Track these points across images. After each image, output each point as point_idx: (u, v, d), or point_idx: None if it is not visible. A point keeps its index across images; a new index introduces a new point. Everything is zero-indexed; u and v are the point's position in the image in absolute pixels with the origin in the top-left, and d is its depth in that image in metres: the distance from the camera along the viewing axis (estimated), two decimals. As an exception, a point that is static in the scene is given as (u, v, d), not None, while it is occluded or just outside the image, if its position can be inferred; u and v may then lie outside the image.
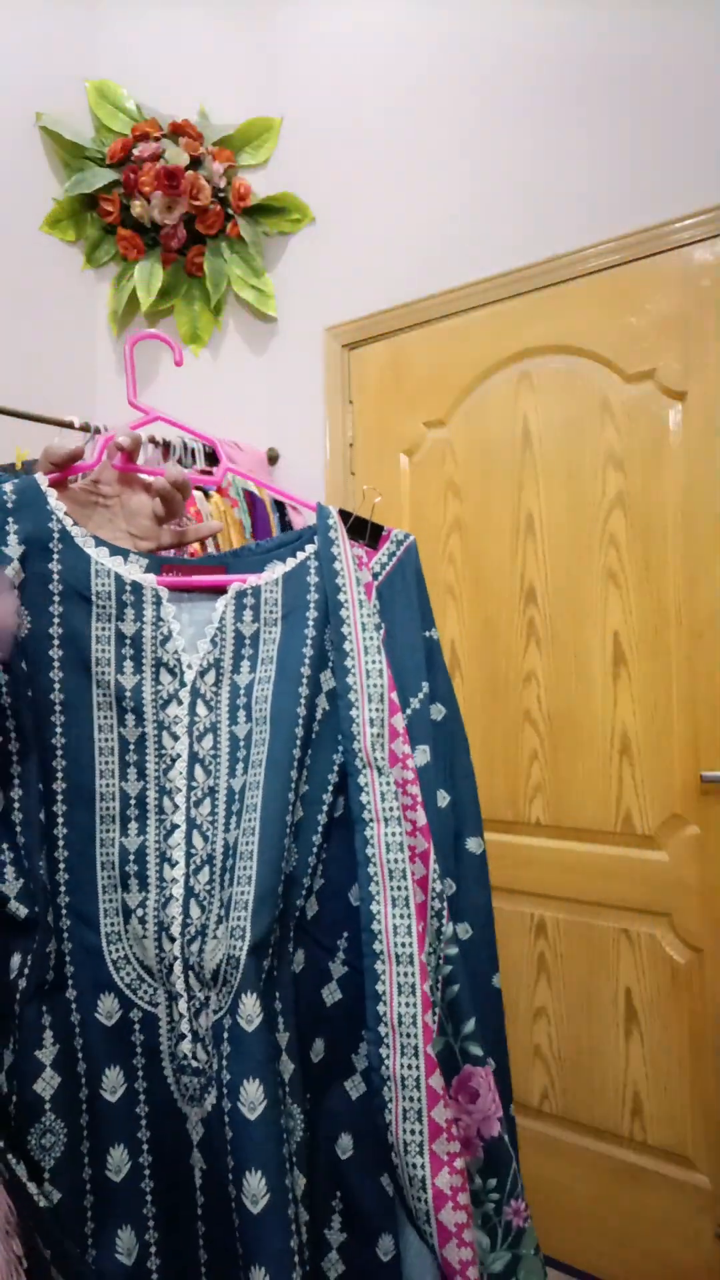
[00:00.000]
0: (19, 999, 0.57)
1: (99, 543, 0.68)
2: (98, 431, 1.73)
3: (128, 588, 0.68)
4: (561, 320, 1.64)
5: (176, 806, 0.68)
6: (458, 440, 1.77)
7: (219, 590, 0.73)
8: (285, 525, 1.82)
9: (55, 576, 0.66)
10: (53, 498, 0.67)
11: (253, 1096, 0.60)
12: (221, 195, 2.08)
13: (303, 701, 0.70)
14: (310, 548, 0.75)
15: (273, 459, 2.05)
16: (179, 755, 0.69)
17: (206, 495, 1.67)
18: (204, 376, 2.16)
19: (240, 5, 2.13)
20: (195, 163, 2.06)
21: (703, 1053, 1.46)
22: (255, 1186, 0.58)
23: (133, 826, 0.67)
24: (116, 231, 2.14)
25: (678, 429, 1.51)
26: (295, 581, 0.74)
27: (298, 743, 0.69)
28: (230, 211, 2.08)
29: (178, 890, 0.66)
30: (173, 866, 0.67)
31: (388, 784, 0.69)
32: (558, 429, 1.64)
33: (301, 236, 2.05)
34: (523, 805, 1.66)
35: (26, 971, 0.58)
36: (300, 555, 0.75)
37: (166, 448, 1.90)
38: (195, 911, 0.66)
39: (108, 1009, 0.65)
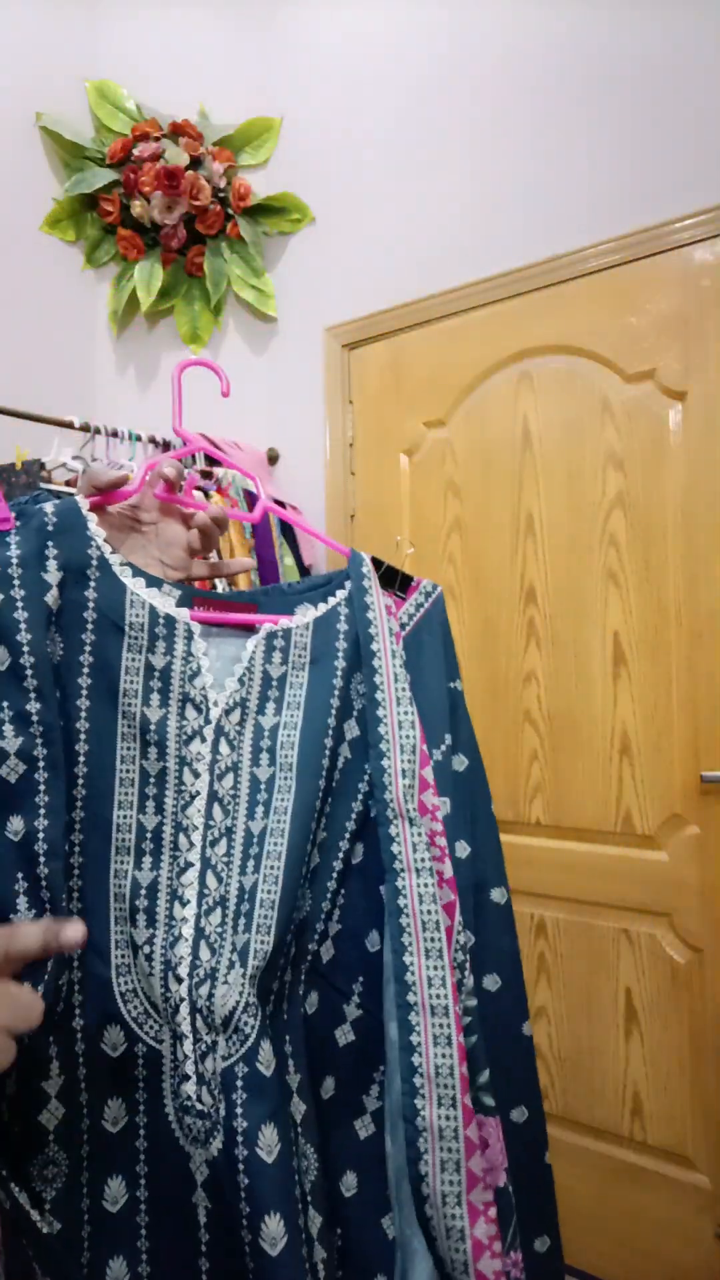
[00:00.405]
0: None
1: (135, 572, 0.68)
2: (97, 432, 1.73)
3: (160, 620, 0.68)
4: (561, 320, 1.64)
5: (192, 844, 0.67)
6: (458, 440, 1.77)
7: (248, 628, 0.73)
8: (285, 527, 1.82)
9: (90, 604, 0.65)
10: (93, 523, 0.67)
11: (269, 1141, 0.60)
12: (221, 195, 2.08)
13: (327, 751, 0.69)
14: (341, 593, 0.75)
15: (273, 459, 2.05)
16: (198, 793, 0.68)
17: (207, 495, 1.67)
18: (204, 376, 2.16)
19: (240, 5, 2.13)
20: (195, 163, 2.06)
21: (703, 1053, 1.46)
22: (274, 1229, 0.58)
23: (146, 860, 0.66)
24: (116, 231, 2.14)
25: (678, 429, 1.51)
26: (326, 627, 0.73)
27: (320, 792, 0.68)
28: (230, 211, 2.08)
29: (187, 930, 0.65)
30: (184, 905, 0.66)
31: (419, 835, 0.69)
32: (558, 429, 1.64)
33: (301, 236, 2.05)
34: (523, 805, 1.66)
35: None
36: (331, 601, 0.74)
37: (166, 447, 1.90)
38: (205, 954, 0.65)
39: (113, 1040, 0.64)
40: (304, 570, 1.83)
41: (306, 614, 0.73)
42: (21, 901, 0.59)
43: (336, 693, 0.71)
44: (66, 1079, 0.62)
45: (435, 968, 0.66)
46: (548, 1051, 1.63)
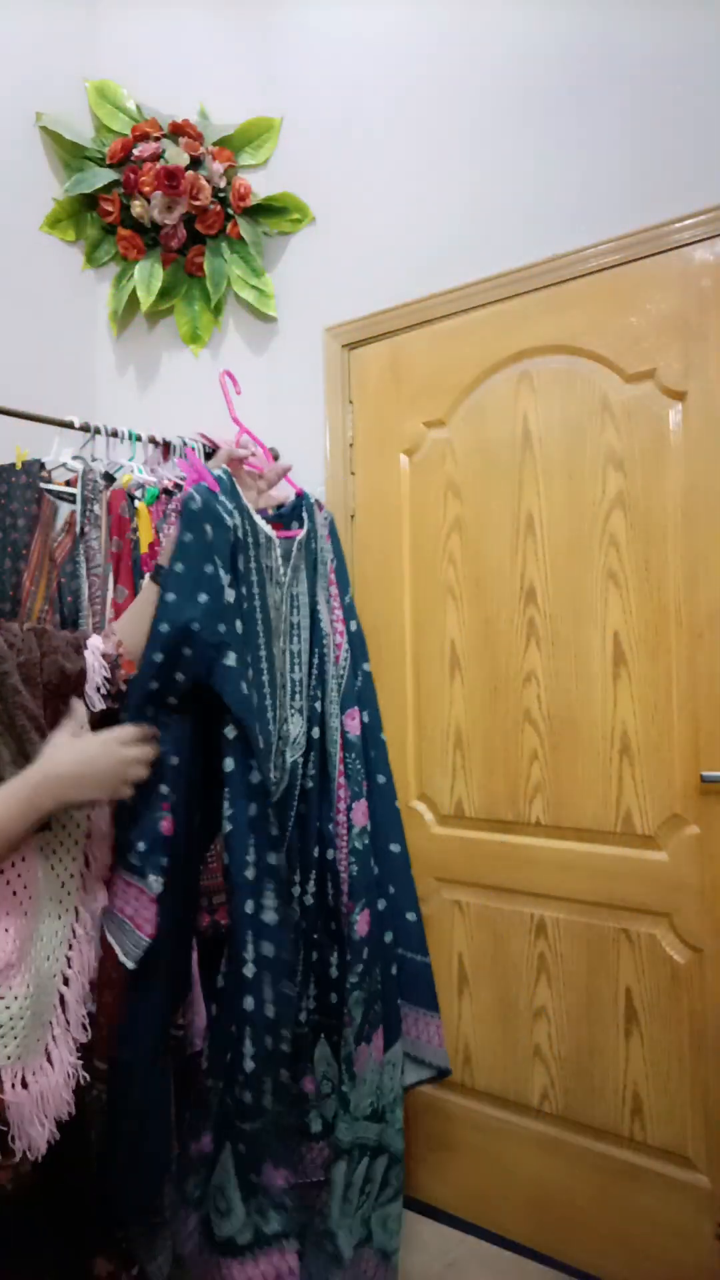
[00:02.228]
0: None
1: (252, 510, 1.21)
2: (97, 432, 1.73)
3: (265, 537, 1.22)
4: (561, 320, 1.64)
5: (284, 649, 1.35)
6: (458, 440, 1.77)
7: (284, 536, 1.35)
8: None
9: (249, 530, 1.15)
10: (238, 485, 1.20)
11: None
12: (221, 195, 2.08)
13: (315, 609, 1.42)
14: (305, 520, 1.42)
15: (273, 459, 2.05)
16: (281, 625, 1.33)
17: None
18: (204, 376, 2.16)
19: (240, 5, 2.13)
20: (195, 163, 2.06)
21: (703, 1053, 1.46)
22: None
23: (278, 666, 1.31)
24: (116, 231, 2.14)
25: (678, 429, 1.51)
26: (307, 539, 1.40)
27: (314, 626, 1.42)
28: (230, 211, 2.08)
29: (296, 721, 1.35)
30: (285, 684, 1.34)
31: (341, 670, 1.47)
32: (558, 429, 1.64)
33: (301, 236, 2.05)
34: (523, 805, 1.66)
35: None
36: (304, 524, 1.36)
37: (166, 447, 1.90)
38: (290, 703, 1.37)
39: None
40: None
41: (299, 532, 1.32)
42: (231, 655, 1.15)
43: (315, 577, 1.42)
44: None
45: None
46: (548, 1051, 1.63)
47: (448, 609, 1.78)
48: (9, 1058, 0.88)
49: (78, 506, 1.59)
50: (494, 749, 1.70)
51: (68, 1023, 0.99)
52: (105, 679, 1.04)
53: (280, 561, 1.24)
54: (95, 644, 1.06)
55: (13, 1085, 0.88)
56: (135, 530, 1.61)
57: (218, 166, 2.06)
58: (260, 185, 2.10)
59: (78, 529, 1.59)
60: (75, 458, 1.67)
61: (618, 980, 1.54)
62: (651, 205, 1.54)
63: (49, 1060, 0.93)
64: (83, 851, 1.05)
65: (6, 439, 1.65)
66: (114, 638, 1.09)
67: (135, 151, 2.06)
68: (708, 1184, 1.45)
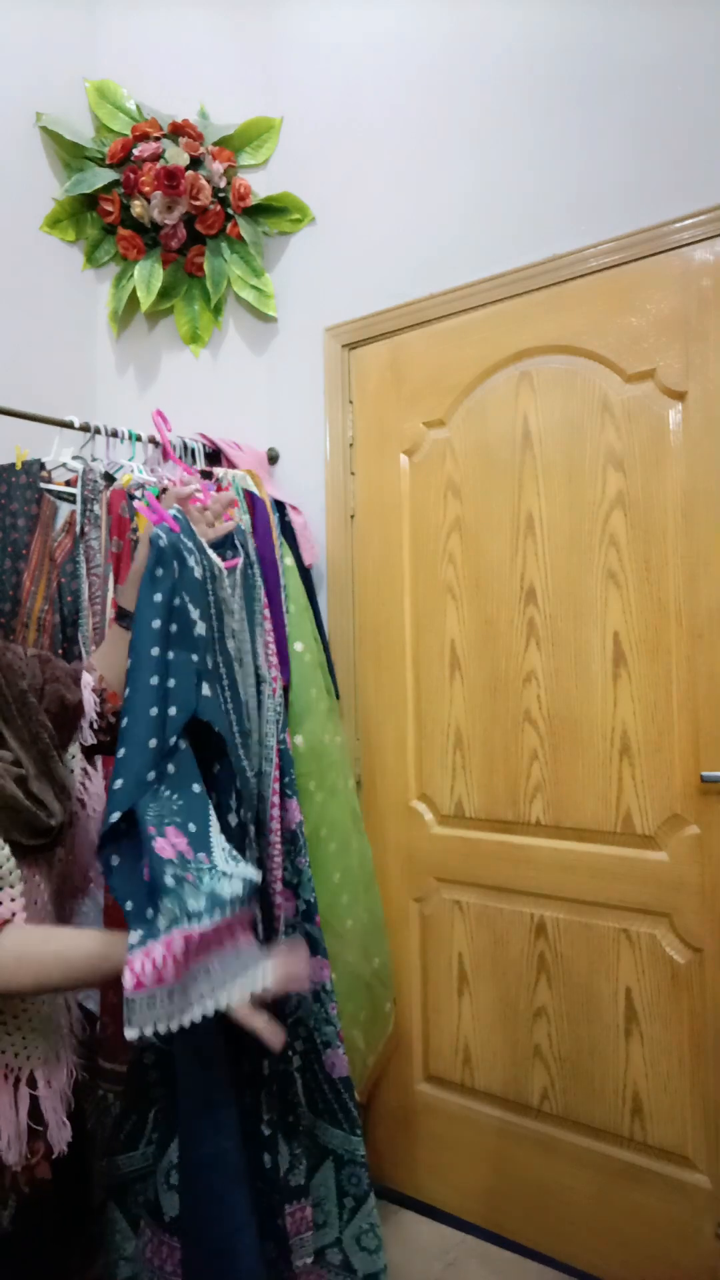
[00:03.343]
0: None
1: (205, 543, 1.21)
2: (97, 432, 1.73)
3: (219, 569, 1.22)
4: (561, 320, 1.64)
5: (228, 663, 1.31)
6: (458, 440, 1.77)
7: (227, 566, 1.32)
8: (285, 524, 1.82)
9: (206, 565, 1.16)
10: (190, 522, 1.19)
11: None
12: (221, 195, 2.08)
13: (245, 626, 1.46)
14: (241, 551, 1.36)
15: (273, 459, 2.05)
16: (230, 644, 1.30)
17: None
18: (204, 376, 2.16)
19: (240, 5, 2.13)
20: (195, 163, 2.06)
21: (703, 1053, 1.46)
22: None
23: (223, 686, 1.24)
24: (116, 231, 2.14)
25: (678, 429, 1.51)
26: (242, 568, 1.41)
27: (248, 644, 1.46)
28: (230, 211, 2.08)
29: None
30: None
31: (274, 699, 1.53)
32: (558, 429, 1.64)
33: (301, 236, 2.05)
34: (523, 805, 1.66)
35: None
36: (237, 555, 1.32)
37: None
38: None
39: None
40: (304, 570, 1.82)
41: (238, 561, 1.31)
42: (207, 687, 1.09)
43: (253, 605, 1.49)
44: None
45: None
46: (547, 1051, 1.63)
47: (448, 609, 1.78)
48: (43, 1059, 0.91)
49: (78, 506, 1.59)
50: (494, 749, 1.70)
51: (71, 1021, 1.01)
52: (96, 714, 1.06)
53: (229, 593, 1.27)
54: (86, 679, 1.07)
55: (45, 1084, 0.91)
56: (135, 530, 1.61)
57: (218, 166, 2.06)
58: (260, 185, 2.10)
59: (78, 529, 1.59)
60: (75, 458, 1.67)
61: (618, 980, 1.55)
62: (651, 205, 1.54)
63: (58, 1058, 0.95)
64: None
65: (6, 439, 1.65)
66: (95, 671, 1.10)
67: (135, 151, 2.06)
68: (708, 1184, 1.45)
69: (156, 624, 1.03)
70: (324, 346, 1.98)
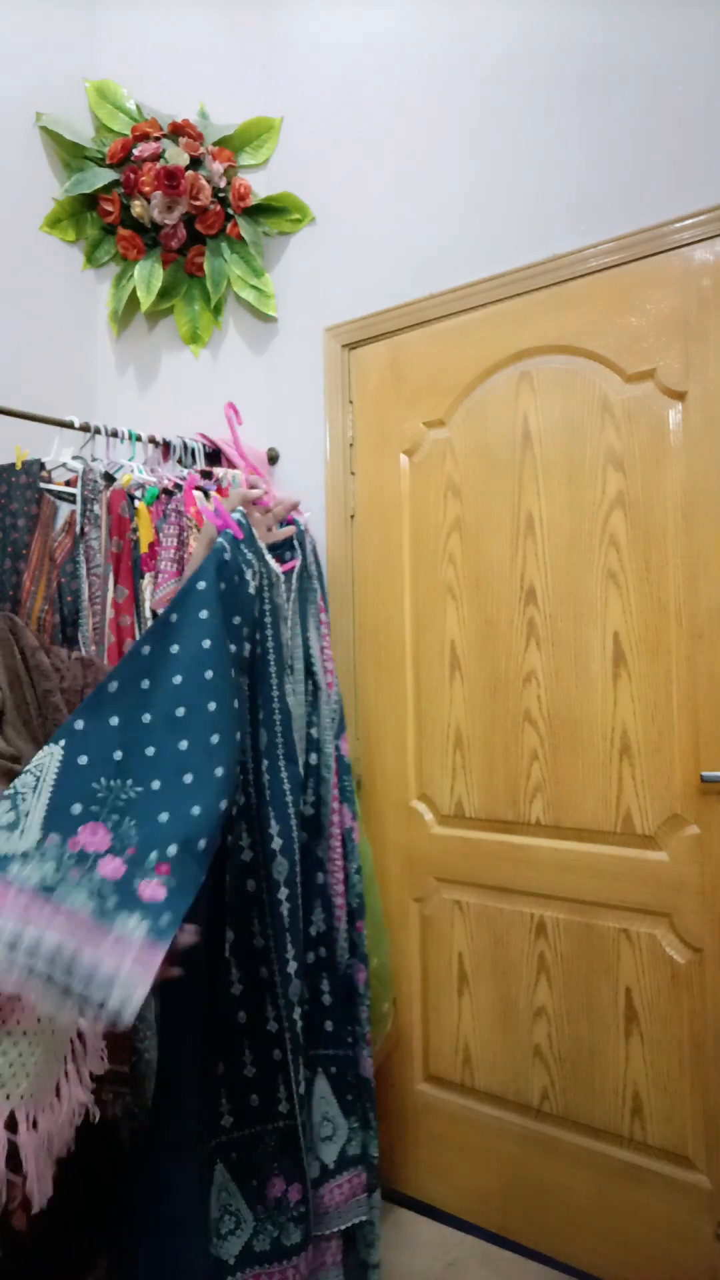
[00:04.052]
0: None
1: (264, 549, 1.24)
2: (97, 432, 1.73)
3: (276, 576, 1.25)
4: (561, 320, 1.64)
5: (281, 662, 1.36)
6: (458, 440, 1.77)
7: (284, 570, 1.36)
8: (284, 524, 1.82)
9: (264, 574, 1.19)
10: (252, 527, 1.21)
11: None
12: (221, 195, 2.08)
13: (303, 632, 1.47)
14: (299, 552, 1.41)
15: (273, 459, 2.05)
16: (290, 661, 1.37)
17: (206, 495, 1.67)
18: (204, 376, 2.16)
19: (240, 5, 2.13)
20: (195, 163, 2.06)
21: (703, 1053, 1.46)
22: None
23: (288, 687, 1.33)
24: (116, 231, 2.14)
25: (678, 429, 1.51)
26: (300, 571, 1.41)
27: (306, 645, 1.46)
28: (230, 211, 2.08)
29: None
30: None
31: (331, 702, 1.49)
32: (558, 429, 1.64)
33: (302, 236, 2.05)
34: (523, 805, 1.66)
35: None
36: (296, 558, 1.35)
37: (166, 447, 1.90)
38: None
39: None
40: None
41: (295, 564, 1.36)
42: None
43: (307, 607, 1.45)
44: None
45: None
46: (547, 1051, 1.63)
47: (448, 609, 1.78)
48: (23, 1097, 0.80)
49: (78, 506, 1.59)
50: (494, 749, 1.70)
51: (85, 1054, 0.91)
52: None
53: (284, 599, 1.28)
54: None
55: (28, 1127, 0.80)
56: (135, 530, 1.61)
57: (218, 166, 2.06)
58: (260, 185, 2.10)
59: (78, 529, 1.59)
60: (75, 458, 1.67)
61: (618, 980, 1.54)
62: (651, 205, 1.54)
63: (58, 1096, 0.85)
64: None
65: (6, 439, 1.65)
66: None
67: (135, 151, 2.06)
68: (708, 1184, 1.45)
69: (208, 643, 1.00)
70: (324, 346, 1.98)
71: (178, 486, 1.69)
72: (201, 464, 1.90)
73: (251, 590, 1.12)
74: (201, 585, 1.03)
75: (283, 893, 1.23)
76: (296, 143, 2.06)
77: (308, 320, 2.02)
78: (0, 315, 1.98)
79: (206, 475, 1.75)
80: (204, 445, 1.91)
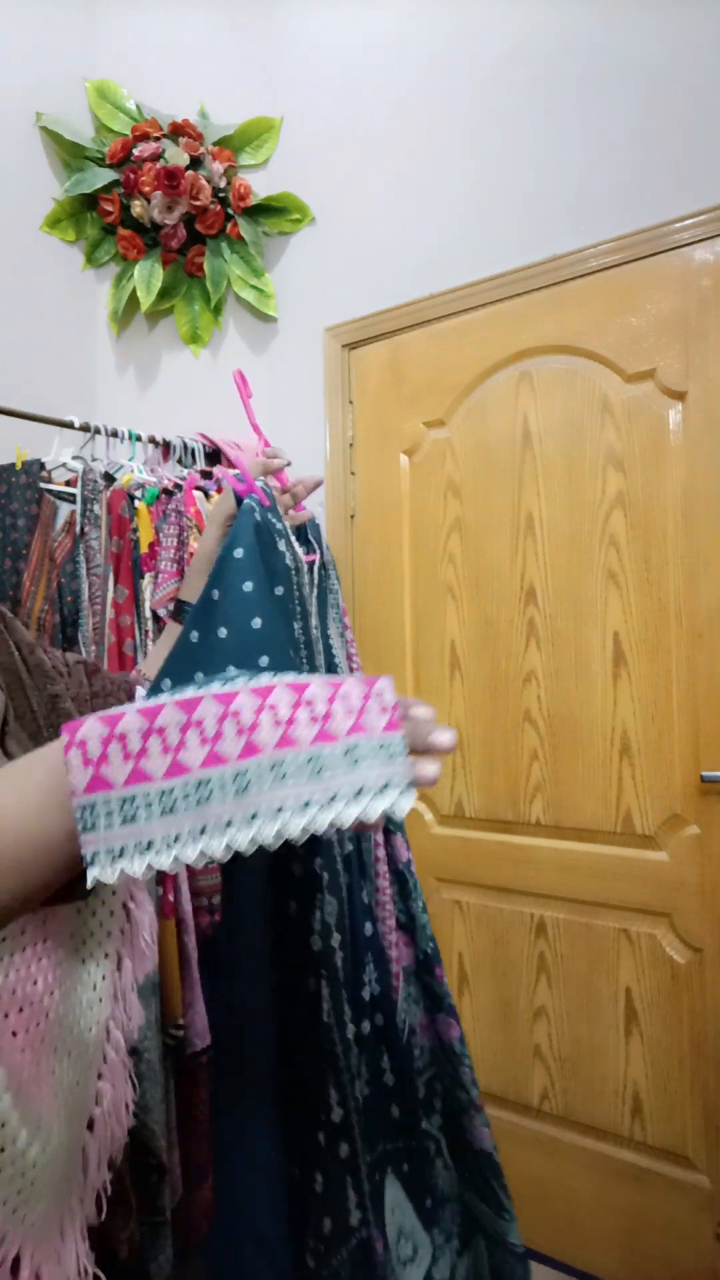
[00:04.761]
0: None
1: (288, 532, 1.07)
2: (97, 432, 1.73)
3: (300, 561, 1.06)
4: (561, 320, 1.64)
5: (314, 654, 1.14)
6: (458, 440, 1.77)
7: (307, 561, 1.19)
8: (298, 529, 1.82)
9: (291, 554, 1.02)
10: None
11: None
12: (221, 195, 2.08)
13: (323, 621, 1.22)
14: (310, 543, 1.18)
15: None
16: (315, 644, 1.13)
17: (207, 495, 1.67)
18: (204, 376, 2.16)
19: (240, 5, 2.13)
20: (195, 163, 2.06)
21: (703, 1053, 1.46)
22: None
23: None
24: (116, 231, 2.14)
25: (678, 429, 1.51)
26: (321, 564, 1.20)
27: (324, 630, 1.20)
28: (230, 211, 2.08)
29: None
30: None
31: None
32: (558, 429, 1.64)
33: (302, 236, 2.05)
34: (523, 805, 1.66)
35: None
36: (313, 550, 1.18)
37: (166, 447, 1.90)
38: None
39: None
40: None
41: (315, 556, 1.17)
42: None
43: (327, 605, 1.22)
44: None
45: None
46: (547, 1051, 1.63)
47: (448, 609, 1.78)
48: (33, 1225, 0.55)
49: (78, 506, 1.59)
50: (494, 749, 1.70)
51: (86, 1185, 0.62)
52: None
53: (309, 591, 1.09)
54: (140, 693, 0.89)
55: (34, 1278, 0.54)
56: (135, 530, 1.61)
57: (218, 166, 2.06)
58: (260, 185, 2.10)
59: (78, 529, 1.59)
60: (75, 458, 1.67)
61: (618, 980, 1.55)
62: (651, 205, 1.54)
63: (61, 1237, 0.58)
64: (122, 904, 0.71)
65: (6, 439, 1.65)
66: (149, 681, 0.92)
67: (135, 151, 2.06)
68: (708, 1184, 1.45)
69: (259, 623, 0.81)
70: (324, 346, 1.98)
71: (178, 486, 1.69)
72: (201, 464, 1.90)
73: (288, 562, 0.92)
74: (239, 553, 0.82)
75: (335, 939, 0.94)
76: (296, 143, 2.07)
77: (308, 320, 2.02)
78: (0, 315, 1.99)
79: (206, 475, 1.75)
80: (204, 445, 1.91)
